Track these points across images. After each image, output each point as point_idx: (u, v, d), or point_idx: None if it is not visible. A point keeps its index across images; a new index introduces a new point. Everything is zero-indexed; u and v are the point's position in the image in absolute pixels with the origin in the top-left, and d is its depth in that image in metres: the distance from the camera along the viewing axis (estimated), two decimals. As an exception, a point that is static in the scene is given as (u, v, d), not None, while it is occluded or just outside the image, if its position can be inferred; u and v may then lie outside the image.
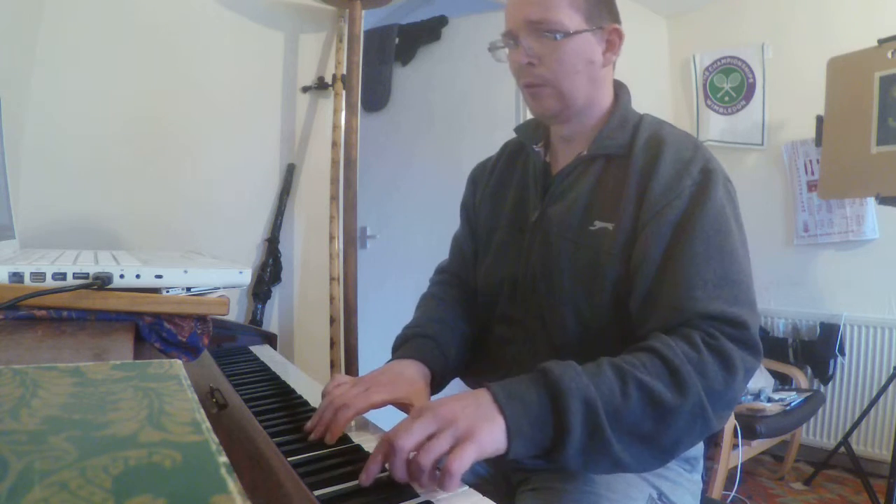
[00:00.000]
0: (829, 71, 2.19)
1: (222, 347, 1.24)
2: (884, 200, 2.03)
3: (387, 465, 0.57)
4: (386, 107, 2.81)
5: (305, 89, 1.96)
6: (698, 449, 0.86)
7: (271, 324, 1.92)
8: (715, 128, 2.91)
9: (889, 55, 2.01)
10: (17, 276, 0.62)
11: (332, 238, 1.88)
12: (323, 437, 0.68)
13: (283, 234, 1.91)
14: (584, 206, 0.82)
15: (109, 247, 1.47)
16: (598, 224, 0.80)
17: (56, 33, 1.49)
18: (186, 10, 1.71)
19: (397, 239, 2.75)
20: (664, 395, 0.63)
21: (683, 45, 3.07)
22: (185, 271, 0.69)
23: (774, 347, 2.59)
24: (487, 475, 0.87)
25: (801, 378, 2.44)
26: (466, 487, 0.58)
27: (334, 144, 1.90)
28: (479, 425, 0.57)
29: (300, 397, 0.87)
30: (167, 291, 0.68)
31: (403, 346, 0.87)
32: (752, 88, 2.81)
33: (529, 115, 0.92)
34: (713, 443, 1.85)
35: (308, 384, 0.95)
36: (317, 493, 0.54)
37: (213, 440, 0.27)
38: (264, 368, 1.06)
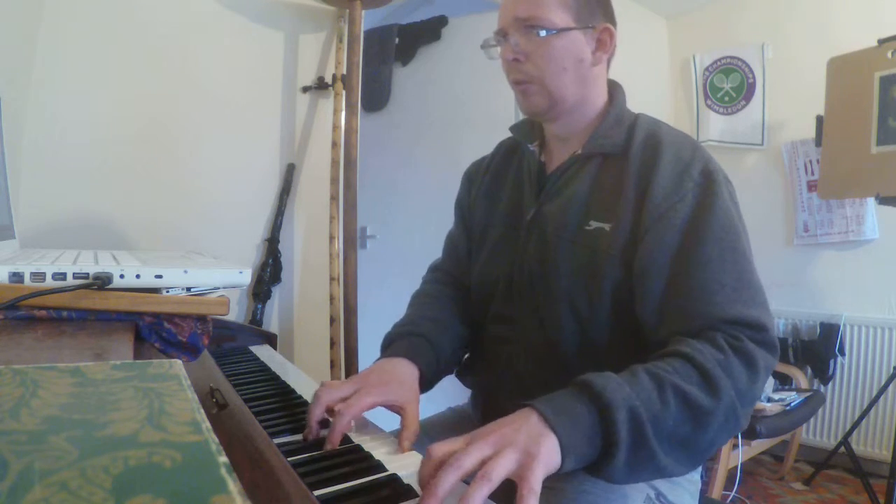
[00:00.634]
0: (829, 71, 2.19)
1: (222, 347, 1.24)
2: (884, 200, 2.03)
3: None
4: (386, 107, 2.81)
5: (305, 89, 1.96)
6: (698, 449, 0.86)
7: (271, 324, 1.92)
8: (715, 128, 2.91)
9: (889, 55, 2.01)
10: (17, 276, 0.62)
11: (332, 238, 1.88)
12: (310, 437, 0.68)
13: (283, 234, 1.91)
14: (580, 206, 0.82)
15: (109, 247, 1.46)
16: (594, 224, 0.80)
17: (56, 33, 1.49)
18: (186, 11, 1.71)
19: (397, 239, 2.75)
20: (700, 398, 0.63)
21: (683, 45, 3.07)
22: (185, 271, 0.69)
23: (774, 347, 2.59)
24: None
25: (801, 378, 2.44)
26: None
27: (334, 144, 1.90)
28: (537, 444, 0.56)
29: (300, 397, 0.87)
30: (167, 291, 0.68)
31: (394, 345, 0.87)
32: (752, 88, 2.81)
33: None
34: (713, 443, 1.85)
35: (308, 384, 0.95)
36: (317, 493, 0.54)
37: (213, 440, 0.27)
38: (264, 368, 1.06)
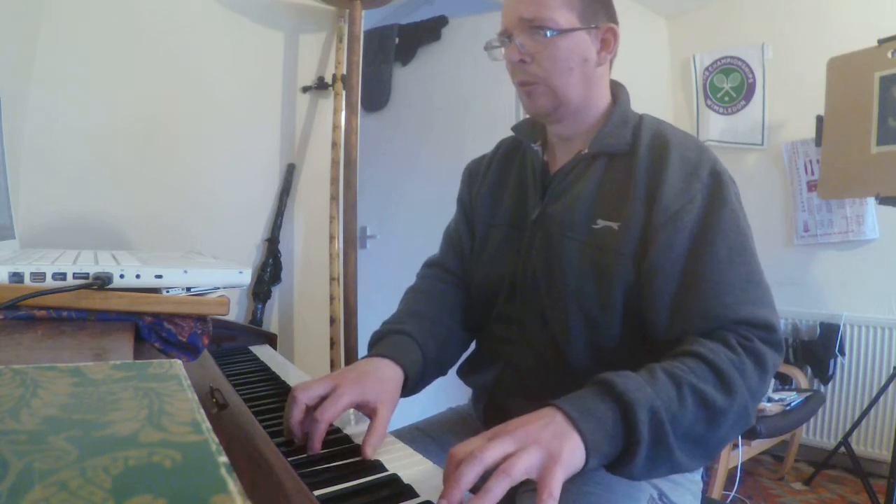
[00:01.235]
0: (829, 71, 2.19)
1: (222, 347, 1.24)
2: (884, 200, 2.03)
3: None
4: (386, 107, 2.81)
5: (305, 89, 1.96)
6: (699, 449, 0.86)
7: (271, 324, 1.92)
8: (715, 128, 2.91)
9: (889, 55, 2.01)
10: (17, 276, 0.62)
11: (332, 238, 1.88)
12: (296, 441, 0.67)
13: (283, 234, 1.91)
14: (587, 205, 0.82)
15: (109, 247, 1.46)
16: (602, 223, 0.80)
17: (56, 33, 1.49)
18: (186, 10, 1.71)
19: (397, 239, 2.75)
20: (716, 398, 0.64)
21: (683, 45, 3.07)
22: (185, 271, 0.69)
23: (774, 347, 2.59)
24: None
25: (801, 378, 2.44)
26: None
27: (334, 144, 1.90)
28: (561, 444, 0.56)
29: (300, 397, 0.87)
30: (167, 291, 0.68)
31: (379, 343, 0.85)
32: (752, 88, 2.81)
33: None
34: (713, 443, 1.85)
35: (308, 384, 0.95)
36: (317, 493, 0.54)
37: (213, 440, 0.27)
38: (264, 368, 1.06)
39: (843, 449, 2.22)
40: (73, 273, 0.64)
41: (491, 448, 0.53)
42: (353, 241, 1.82)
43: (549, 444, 0.55)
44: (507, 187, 0.96)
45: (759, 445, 2.08)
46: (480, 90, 2.61)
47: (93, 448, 0.25)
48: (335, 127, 1.91)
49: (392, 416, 0.74)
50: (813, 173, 2.58)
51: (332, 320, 1.83)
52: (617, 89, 0.90)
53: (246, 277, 0.74)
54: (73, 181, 1.53)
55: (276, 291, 1.92)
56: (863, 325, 2.44)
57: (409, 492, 0.56)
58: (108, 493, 0.21)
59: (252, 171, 1.87)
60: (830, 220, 2.54)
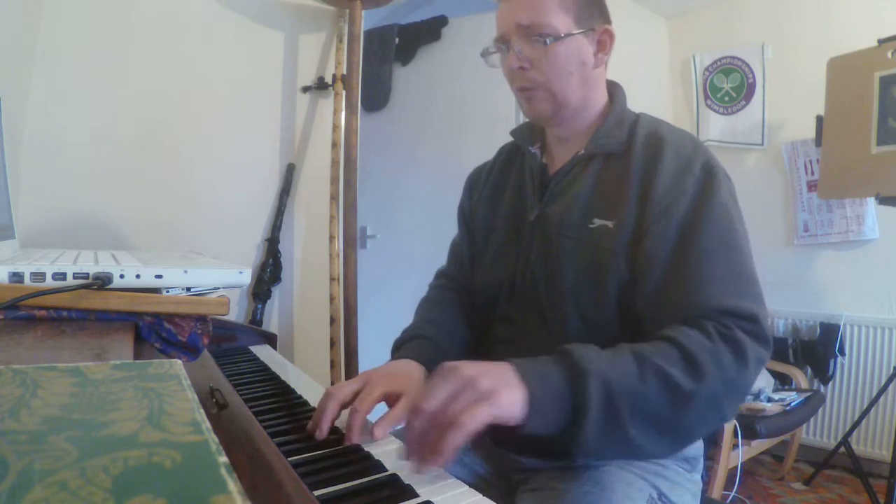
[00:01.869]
0: (829, 71, 2.19)
1: (222, 347, 1.24)
2: (884, 200, 2.03)
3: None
4: (386, 107, 2.81)
5: (305, 89, 1.96)
6: (698, 449, 0.86)
7: (271, 324, 1.92)
8: (715, 128, 2.91)
9: (889, 55, 2.01)
10: (17, 276, 0.62)
11: (332, 238, 1.88)
12: (317, 436, 0.68)
13: (283, 234, 1.91)
14: (583, 205, 0.82)
15: (109, 247, 1.46)
16: (598, 222, 0.80)
17: (56, 33, 1.49)
18: (186, 11, 1.71)
19: (397, 239, 2.75)
20: (681, 380, 0.63)
21: (683, 45, 3.07)
22: (185, 271, 0.69)
23: (774, 347, 2.59)
24: (487, 475, 0.87)
25: (801, 378, 2.44)
26: (466, 487, 0.58)
27: (334, 144, 1.90)
28: (500, 389, 0.59)
29: (300, 397, 0.87)
30: (167, 291, 0.68)
31: (400, 349, 0.88)
32: (752, 88, 2.80)
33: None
34: (713, 443, 1.85)
35: (308, 384, 0.95)
36: (317, 493, 0.54)
37: (213, 440, 0.27)
38: (264, 368, 1.06)
39: (843, 449, 2.22)
40: (73, 273, 0.64)
41: (434, 398, 0.58)
42: (353, 241, 1.82)
43: (489, 387, 0.59)
44: (507, 190, 0.97)
45: (759, 445, 2.08)
46: (480, 90, 2.61)
47: (93, 448, 0.25)
48: (335, 127, 1.91)
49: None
50: (813, 173, 2.58)
51: (332, 320, 1.83)
52: (614, 89, 0.90)
53: (246, 277, 0.74)
54: (73, 181, 1.53)
55: (276, 291, 1.92)
56: (863, 325, 2.44)
57: (409, 492, 0.56)
58: (108, 493, 0.21)
59: (252, 171, 1.88)
60: (830, 220, 2.54)
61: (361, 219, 2.11)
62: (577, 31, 0.81)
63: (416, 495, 0.56)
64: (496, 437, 0.84)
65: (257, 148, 1.89)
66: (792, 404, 2.07)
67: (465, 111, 2.67)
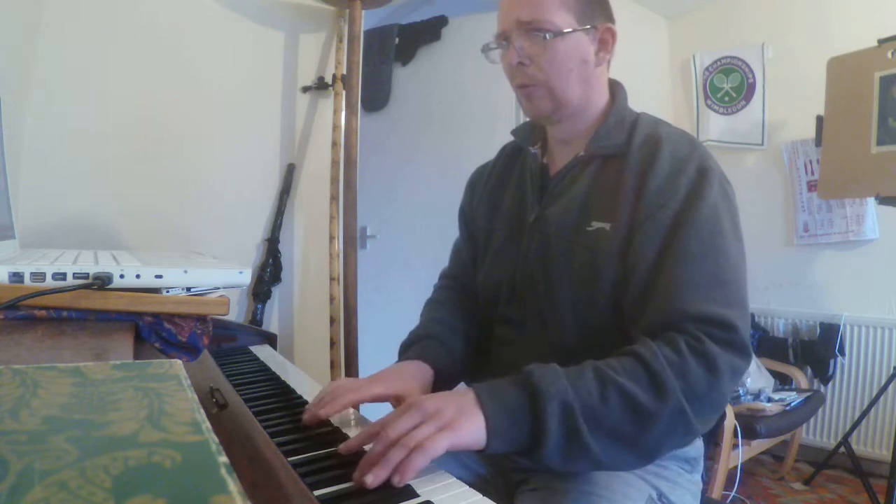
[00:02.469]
0: (829, 71, 2.19)
1: (222, 347, 1.24)
2: (884, 200, 2.03)
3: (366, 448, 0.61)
4: (386, 107, 2.81)
5: (305, 89, 1.96)
6: (698, 449, 0.86)
7: (271, 324, 1.92)
8: (715, 128, 2.91)
9: (889, 55, 2.01)
10: (17, 276, 0.62)
11: (332, 238, 1.88)
12: (317, 430, 0.70)
13: (283, 234, 1.91)
14: (580, 207, 0.82)
15: (109, 247, 1.46)
16: (596, 224, 0.80)
17: (56, 33, 1.49)
18: (186, 10, 1.71)
19: (397, 239, 2.75)
20: (643, 399, 0.64)
21: (683, 45, 3.07)
22: (185, 271, 0.69)
23: (774, 347, 2.59)
24: (487, 475, 0.87)
25: (801, 378, 2.44)
26: (466, 487, 0.58)
27: (334, 144, 1.90)
28: (460, 420, 0.61)
29: (300, 397, 0.87)
30: (167, 291, 0.68)
31: (408, 350, 0.89)
32: (752, 88, 2.80)
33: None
34: (713, 443, 1.85)
35: (308, 384, 0.95)
36: (317, 493, 0.54)
37: (213, 440, 0.27)
38: (264, 368, 1.06)
39: (843, 449, 2.22)
40: (73, 273, 0.64)
41: (397, 424, 0.60)
42: (353, 241, 1.82)
43: (451, 417, 0.61)
44: (508, 191, 0.96)
45: (759, 445, 2.08)
46: (480, 90, 2.61)
47: (93, 448, 0.25)
48: (335, 127, 1.91)
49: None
50: (813, 173, 2.58)
51: (332, 320, 1.83)
52: (615, 88, 0.90)
53: (246, 277, 0.75)
54: (73, 181, 1.53)
55: (276, 291, 1.92)
56: (863, 325, 2.44)
57: (409, 492, 0.56)
58: (108, 493, 0.21)
59: (252, 171, 1.87)
60: (830, 220, 2.54)
61: (361, 219, 2.11)
62: (578, 29, 0.81)
63: (416, 495, 0.56)
64: None
65: (257, 148, 1.89)
66: (792, 404, 2.07)
67: (464, 111, 2.67)
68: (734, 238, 0.75)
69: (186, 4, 1.71)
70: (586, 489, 0.72)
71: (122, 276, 0.65)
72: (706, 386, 0.66)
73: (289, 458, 0.59)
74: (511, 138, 1.01)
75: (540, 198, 0.89)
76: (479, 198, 1.01)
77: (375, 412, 0.76)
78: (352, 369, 1.80)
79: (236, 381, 0.95)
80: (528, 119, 0.92)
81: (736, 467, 1.91)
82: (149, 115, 1.65)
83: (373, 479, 0.56)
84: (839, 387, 2.49)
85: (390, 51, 2.74)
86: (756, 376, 2.25)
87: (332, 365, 1.81)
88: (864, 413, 2.23)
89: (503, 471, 0.87)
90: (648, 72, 3.05)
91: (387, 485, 0.58)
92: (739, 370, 0.69)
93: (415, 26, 2.77)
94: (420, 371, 0.83)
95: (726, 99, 2.89)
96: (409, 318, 0.98)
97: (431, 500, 0.55)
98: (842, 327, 2.46)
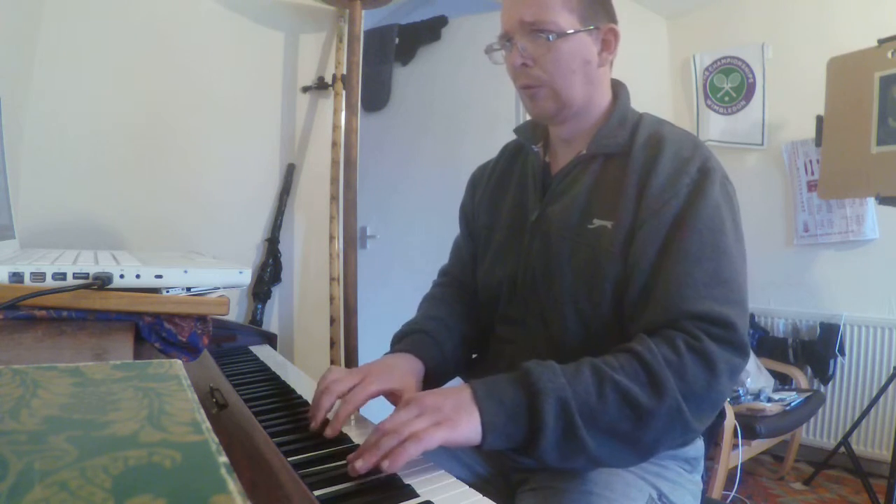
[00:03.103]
0: (829, 71, 2.19)
1: (222, 347, 1.24)
2: (884, 200, 2.03)
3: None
4: (386, 107, 2.81)
5: (305, 89, 1.96)
6: (698, 449, 0.86)
7: (271, 324, 1.92)
8: (715, 128, 2.91)
9: (889, 55, 2.01)
10: (17, 276, 0.62)
11: (332, 238, 1.88)
12: (322, 433, 0.69)
13: (283, 234, 1.91)
14: (582, 205, 0.82)
15: (109, 247, 1.46)
16: (597, 222, 0.80)
17: (56, 33, 1.49)
18: (186, 10, 1.71)
19: (397, 239, 2.75)
20: (640, 397, 0.64)
21: (683, 45, 3.07)
22: (185, 271, 0.69)
23: (774, 347, 2.59)
24: (487, 475, 0.87)
25: (801, 378, 2.44)
26: (466, 487, 0.58)
27: (334, 144, 1.90)
28: (457, 416, 0.62)
29: (300, 397, 0.87)
30: (167, 291, 0.68)
31: (399, 342, 0.89)
32: (752, 88, 2.80)
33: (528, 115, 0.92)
34: (713, 443, 1.85)
35: (308, 384, 0.95)
36: (317, 493, 0.54)
37: (213, 440, 0.27)
38: (264, 368, 1.06)
39: (843, 449, 2.22)
40: (73, 273, 0.64)
41: (394, 417, 0.61)
42: (353, 241, 1.82)
43: (448, 414, 0.62)
44: (510, 189, 0.96)
45: (759, 445, 2.08)
46: (480, 90, 2.61)
47: (93, 448, 0.25)
48: (335, 127, 1.91)
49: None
50: (813, 173, 2.58)
51: (332, 320, 1.83)
52: (617, 88, 0.90)
53: (246, 277, 0.75)
54: (72, 181, 1.53)
55: (276, 291, 1.92)
56: (863, 325, 2.44)
57: (409, 492, 0.56)
58: (108, 493, 0.21)
59: (252, 171, 1.88)
60: (830, 220, 2.54)
61: (361, 219, 2.11)
62: (581, 29, 0.81)
63: (416, 495, 0.56)
64: None
65: (257, 148, 1.89)
66: (792, 404, 2.07)
67: (464, 111, 2.67)
68: (735, 238, 0.75)
69: (186, 5, 1.71)
70: (586, 489, 0.72)
71: (122, 276, 0.65)
72: (704, 384, 0.66)
73: (289, 458, 0.59)
74: (512, 137, 1.01)
75: (542, 196, 0.89)
76: (481, 196, 1.01)
77: (374, 411, 0.77)
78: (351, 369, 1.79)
79: (236, 381, 0.95)
80: (533, 119, 0.92)
81: (736, 467, 1.91)
82: (149, 115, 1.65)
83: (362, 464, 0.57)
84: (839, 387, 2.49)
85: (390, 51, 2.74)
86: (756, 376, 2.25)
87: (332, 365, 1.81)
88: (864, 413, 2.23)
89: (503, 471, 0.87)
90: (648, 72, 3.05)
91: (387, 485, 0.58)
92: (737, 369, 0.69)
93: (415, 26, 2.77)
94: (412, 365, 0.83)
95: (726, 99, 2.89)
96: (408, 318, 0.98)
97: (431, 500, 0.55)
98: (842, 327, 2.46)
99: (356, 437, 0.71)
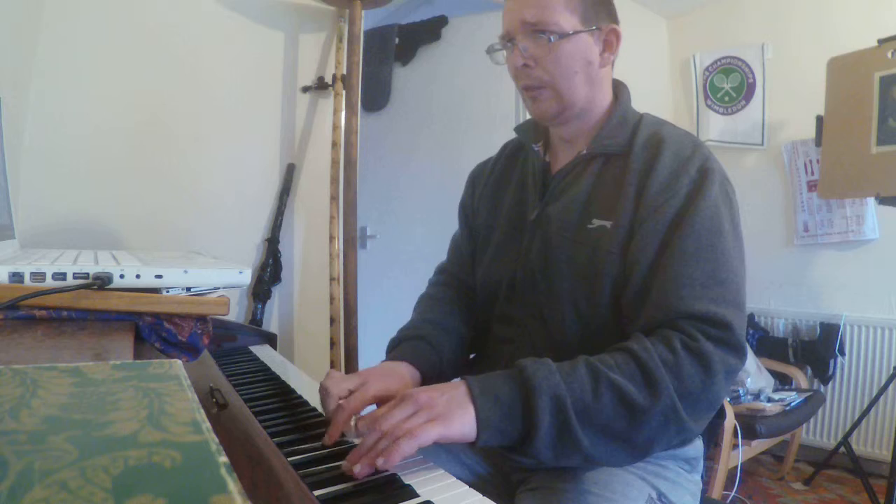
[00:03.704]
0: (829, 71, 2.19)
1: (222, 347, 1.24)
2: (884, 200, 2.03)
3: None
4: (386, 107, 2.81)
5: (305, 89, 1.96)
6: (698, 449, 0.86)
7: (271, 324, 1.92)
8: (715, 128, 2.91)
9: (889, 55, 2.01)
10: (17, 276, 0.62)
11: (332, 238, 1.88)
12: (317, 430, 0.70)
13: (283, 234, 1.91)
14: (582, 205, 0.82)
15: (109, 247, 1.46)
16: (597, 222, 0.80)
17: (56, 33, 1.49)
18: (186, 10, 1.71)
19: (397, 239, 2.75)
20: (635, 396, 0.64)
21: (683, 45, 3.07)
22: (185, 271, 0.69)
23: (774, 347, 2.59)
24: (487, 475, 0.87)
25: (801, 378, 2.44)
26: (466, 487, 0.58)
27: (334, 144, 1.90)
28: (452, 412, 0.62)
29: (300, 397, 0.87)
30: (167, 291, 0.68)
31: (396, 349, 0.88)
32: (752, 88, 2.80)
33: (529, 115, 0.92)
34: (713, 443, 1.85)
35: (308, 384, 0.95)
36: (317, 493, 0.54)
37: (213, 440, 0.27)
38: (264, 368, 1.06)
39: (843, 449, 2.22)
40: (73, 273, 0.64)
41: (389, 416, 0.61)
42: (353, 241, 1.82)
43: (442, 410, 0.62)
44: (509, 188, 0.96)
45: (759, 445, 2.08)
46: (480, 90, 2.61)
47: (93, 448, 0.25)
48: (335, 127, 1.91)
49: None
50: (813, 173, 2.58)
51: (332, 320, 1.83)
52: (618, 88, 0.90)
53: (246, 277, 0.74)
54: (72, 181, 1.53)
55: (276, 291, 1.92)
56: (863, 325, 2.44)
57: (409, 492, 0.56)
58: (108, 493, 0.21)
59: (252, 171, 1.87)
60: (830, 221, 2.54)
61: (361, 219, 2.11)
62: (583, 30, 0.81)
63: (416, 495, 0.56)
64: None
65: (257, 148, 1.89)
66: (792, 404, 2.07)
67: (464, 111, 2.68)
68: (734, 238, 0.75)
69: (186, 4, 1.71)
70: (586, 489, 0.72)
71: (122, 276, 0.65)
72: (700, 384, 0.66)
73: (289, 459, 0.59)
74: (512, 136, 1.01)
75: (542, 195, 0.89)
76: (481, 194, 1.01)
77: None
78: (351, 369, 1.80)
79: (236, 381, 0.95)
80: (533, 118, 0.92)
81: (736, 467, 1.91)
82: (149, 115, 1.65)
83: (360, 470, 0.57)
84: (839, 387, 2.49)
85: (390, 51, 2.74)
86: (756, 376, 2.25)
87: (332, 365, 1.81)
88: (864, 413, 2.23)
89: (503, 471, 0.87)
90: (648, 72, 3.05)
91: (387, 485, 0.58)
92: (734, 369, 0.69)
93: (415, 26, 2.77)
94: (411, 373, 0.83)
95: (726, 99, 2.89)
96: (408, 319, 0.98)
97: (431, 500, 0.55)
98: (842, 327, 2.46)
99: (356, 437, 0.71)
